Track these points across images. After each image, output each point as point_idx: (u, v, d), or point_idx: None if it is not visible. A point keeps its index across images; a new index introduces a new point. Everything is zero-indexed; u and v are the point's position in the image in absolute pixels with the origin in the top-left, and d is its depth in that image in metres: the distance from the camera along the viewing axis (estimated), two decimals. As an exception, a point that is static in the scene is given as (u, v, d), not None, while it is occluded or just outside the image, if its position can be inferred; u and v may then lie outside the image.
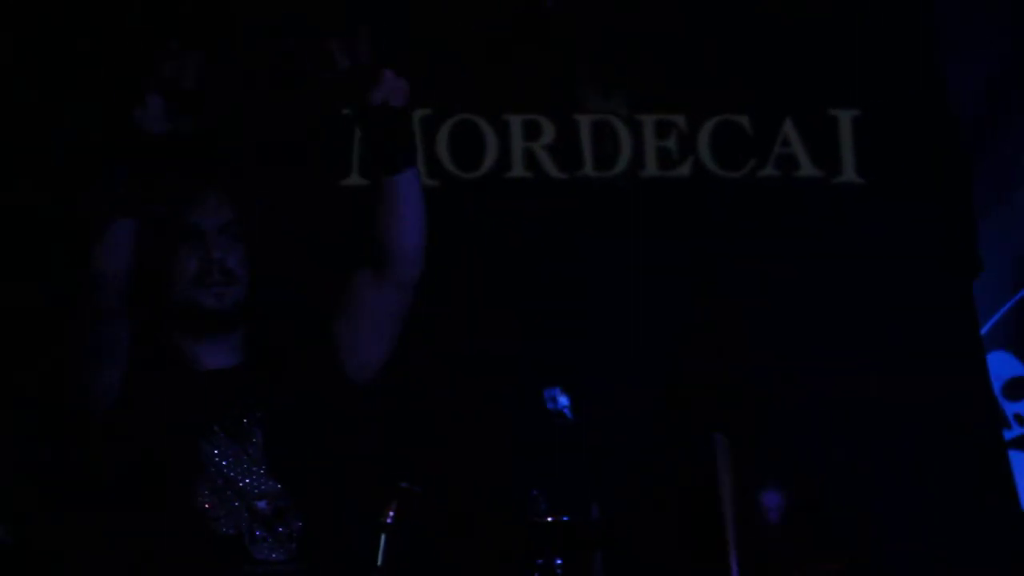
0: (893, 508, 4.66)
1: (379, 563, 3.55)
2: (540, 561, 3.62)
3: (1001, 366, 5.03)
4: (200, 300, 3.04)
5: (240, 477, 2.97)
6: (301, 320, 3.24)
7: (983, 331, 4.91)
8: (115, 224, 2.94)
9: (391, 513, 3.61)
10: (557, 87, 4.70)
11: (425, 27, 4.60)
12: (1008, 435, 4.94)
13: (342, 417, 3.09)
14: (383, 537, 3.58)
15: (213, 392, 3.02)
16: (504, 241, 4.61)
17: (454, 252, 4.43)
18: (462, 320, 4.47)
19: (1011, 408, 5.03)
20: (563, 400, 3.77)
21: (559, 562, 3.62)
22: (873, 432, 4.68)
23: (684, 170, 4.74)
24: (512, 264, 4.61)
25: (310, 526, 3.00)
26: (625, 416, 4.48)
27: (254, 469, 2.99)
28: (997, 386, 4.92)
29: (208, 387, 3.03)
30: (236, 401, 3.02)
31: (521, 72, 4.69)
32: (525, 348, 4.41)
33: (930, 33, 4.84)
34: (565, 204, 4.68)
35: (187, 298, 3.03)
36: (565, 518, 3.63)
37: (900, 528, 4.64)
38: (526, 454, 4.10)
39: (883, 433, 4.68)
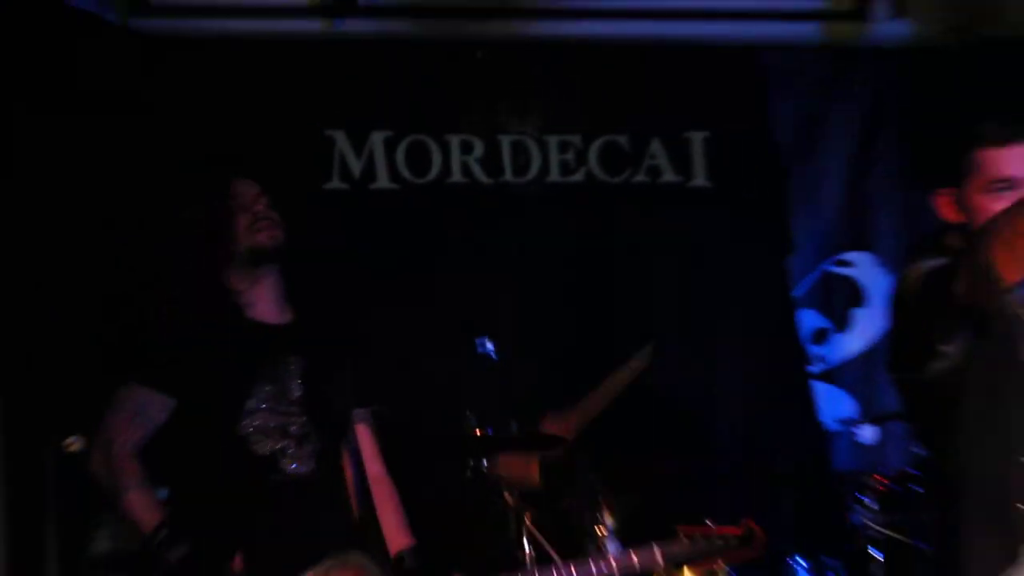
0: (729, 425, 5.20)
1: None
2: (472, 463, 3.98)
3: (808, 320, 5.39)
4: (259, 241, 3.26)
5: (277, 408, 3.20)
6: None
7: (795, 294, 5.35)
8: None
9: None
10: (485, 115, 5.11)
11: (386, 74, 5.09)
12: (813, 370, 5.34)
13: (351, 371, 3.45)
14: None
15: (262, 342, 3.24)
16: (447, 229, 5.06)
17: (411, 238, 5.03)
18: (418, 289, 4.87)
19: (815, 351, 5.36)
20: (489, 346, 4.13)
21: (484, 463, 3.96)
22: (715, 370, 5.21)
23: (579, 177, 5.23)
24: (453, 246, 5.01)
25: (326, 446, 3.27)
26: (535, 356, 4.85)
27: (287, 408, 3.23)
28: (806, 334, 5.38)
29: (258, 337, 3.24)
30: (280, 351, 3.25)
31: (458, 104, 5.13)
32: (464, 308, 4.72)
33: (760, 78, 5.35)
34: (491, 202, 5.14)
35: (248, 242, 3.26)
36: (490, 431, 3.93)
37: (735, 440, 5.18)
38: (463, 385, 4.25)
39: (722, 370, 5.20)
